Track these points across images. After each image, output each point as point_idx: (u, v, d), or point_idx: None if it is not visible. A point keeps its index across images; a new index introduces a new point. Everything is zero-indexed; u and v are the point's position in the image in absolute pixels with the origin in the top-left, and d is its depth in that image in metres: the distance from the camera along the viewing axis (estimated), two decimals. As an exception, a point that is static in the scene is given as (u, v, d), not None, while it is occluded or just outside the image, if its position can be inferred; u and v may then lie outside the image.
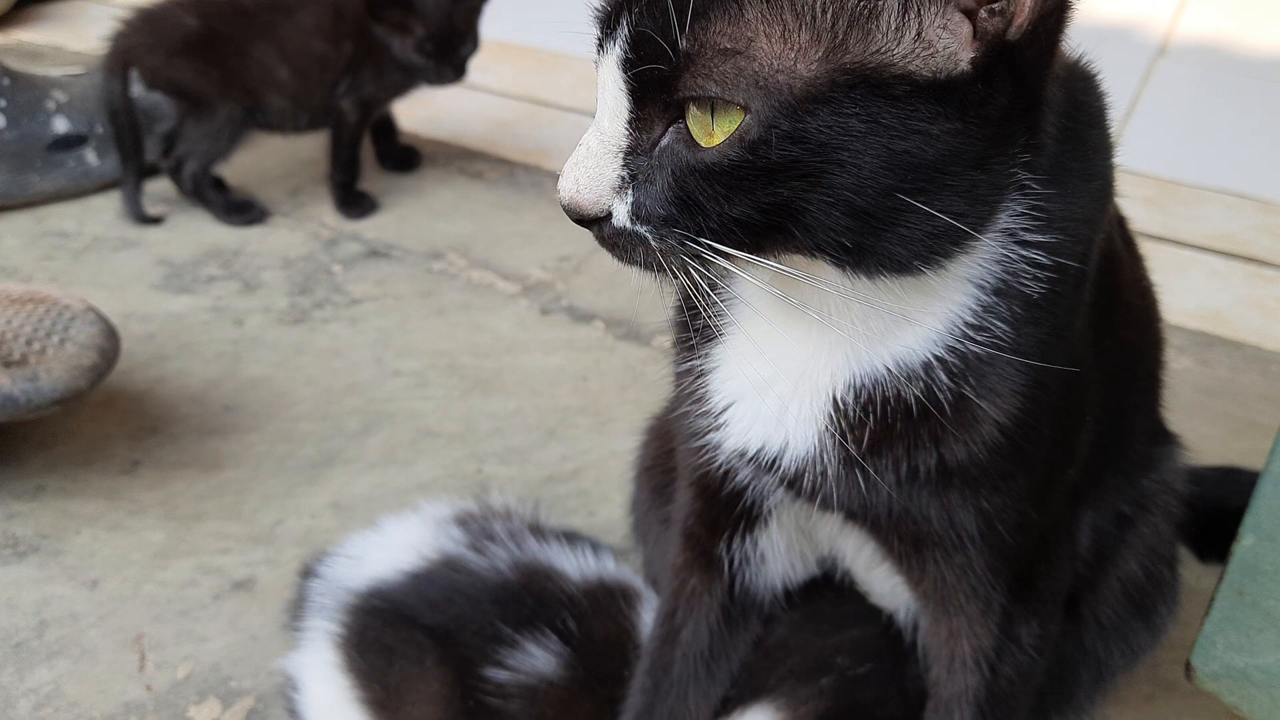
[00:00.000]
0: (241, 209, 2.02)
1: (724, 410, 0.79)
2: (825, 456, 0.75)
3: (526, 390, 1.63)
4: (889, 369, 0.71)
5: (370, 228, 2.02)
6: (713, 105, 0.60)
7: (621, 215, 0.64)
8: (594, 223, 0.65)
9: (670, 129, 0.62)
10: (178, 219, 2.02)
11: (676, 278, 0.65)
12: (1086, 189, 0.71)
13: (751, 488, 0.83)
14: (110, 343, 1.33)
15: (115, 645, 1.21)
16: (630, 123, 0.63)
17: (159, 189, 2.05)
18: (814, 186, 0.59)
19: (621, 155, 0.64)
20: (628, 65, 0.61)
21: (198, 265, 1.89)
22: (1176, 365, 1.67)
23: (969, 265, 0.68)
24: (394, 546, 1.09)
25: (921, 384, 0.71)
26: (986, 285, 0.69)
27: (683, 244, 0.63)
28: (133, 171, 1.97)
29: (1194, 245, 2.01)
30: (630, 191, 0.64)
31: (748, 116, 0.59)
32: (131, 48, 1.92)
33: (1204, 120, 2.53)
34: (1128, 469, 0.96)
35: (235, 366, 1.65)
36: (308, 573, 1.14)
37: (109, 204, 2.04)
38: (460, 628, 1.00)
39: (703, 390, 0.80)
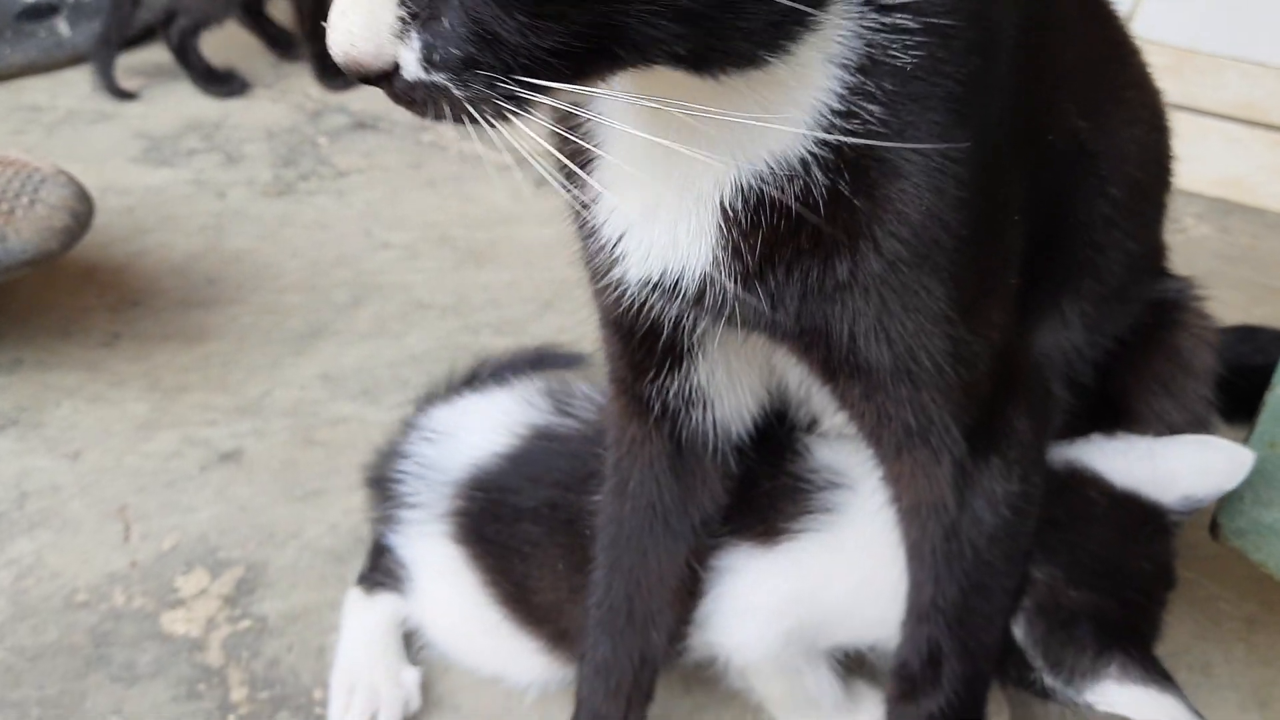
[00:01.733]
0: (222, 80, 1.94)
1: (618, 241, 0.70)
2: (721, 272, 0.67)
3: (521, 262, 1.57)
4: (771, 167, 0.63)
5: (356, 99, 1.94)
6: None
7: (412, 65, 0.53)
8: (382, 79, 0.54)
9: None
10: (156, 92, 1.93)
11: (494, 127, 0.54)
12: None
13: (667, 319, 0.75)
14: (82, 205, 1.27)
15: (98, 517, 1.17)
16: None
17: (137, 62, 1.96)
18: None
19: None
20: None
21: (178, 138, 1.81)
22: (1196, 232, 1.61)
23: (825, 44, 0.59)
24: (485, 427, 1.03)
25: (800, 183, 0.63)
26: (849, 64, 0.60)
27: (492, 87, 0.52)
28: (116, 31, 1.88)
29: (1214, 113, 1.93)
30: (415, 35, 0.52)
31: None
32: None
33: (1224, -11, 2.43)
34: (1102, 294, 0.86)
35: (218, 239, 1.59)
36: (391, 452, 1.07)
37: (82, 77, 1.95)
38: (563, 490, 0.95)
39: (592, 224, 0.72)
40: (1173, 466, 0.86)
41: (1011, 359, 0.78)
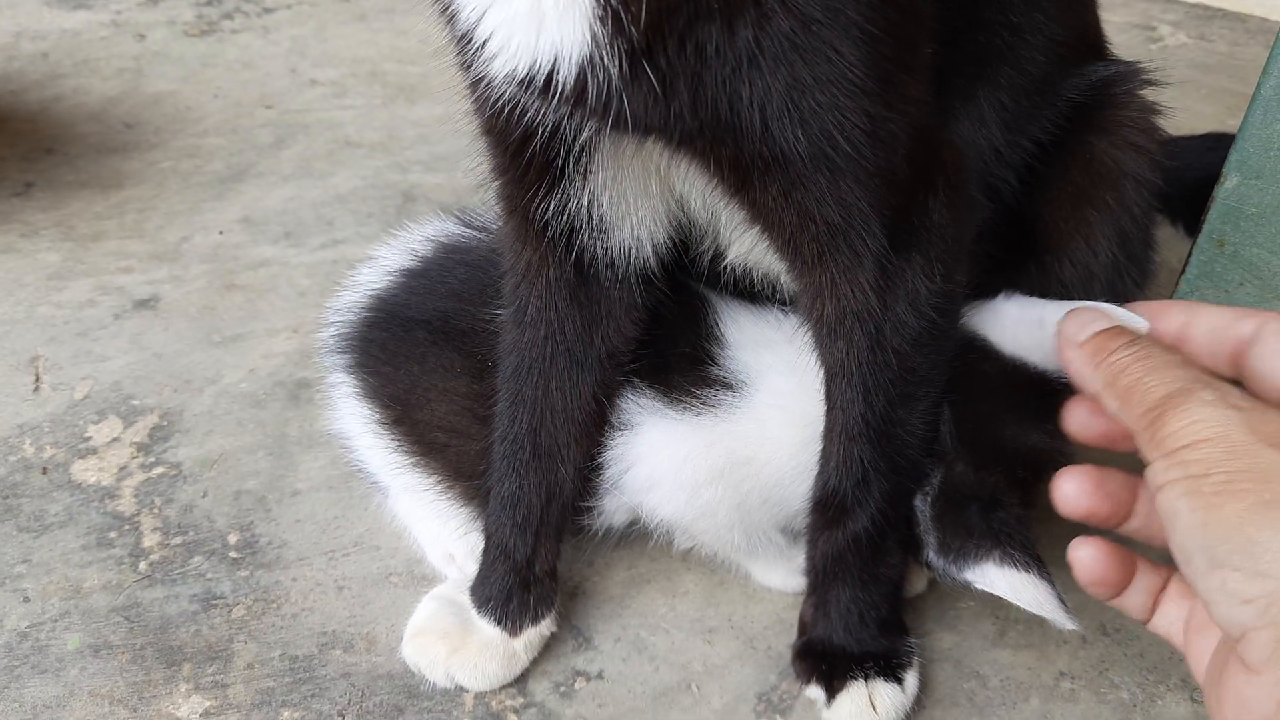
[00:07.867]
0: (141, -84, 1.82)
1: (478, 24, 0.62)
2: (603, 55, 0.59)
3: (455, 96, 1.48)
4: None
5: (285, -69, 1.83)
6: None
7: None
8: None
9: None
10: (73, -69, 1.82)
11: None
12: None
13: (542, 126, 0.67)
14: (-32, 41, 1.19)
15: (8, 368, 1.13)
16: None
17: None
18: None
19: None
20: None
21: (95, -21, 1.71)
22: (1173, 41, 1.51)
23: None
24: (392, 254, 0.96)
25: None
26: None
27: None
28: None
29: (1200, -84, 1.81)
30: None
31: None
32: None
33: None
34: (1022, 85, 0.78)
35: (137, 82, 1.51)
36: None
37: (-5, -83, 1.84)
38: (458, 299, 0.89)
39: (451, 7, 0.64)
40: None
41: (930, 145, 0.71)
